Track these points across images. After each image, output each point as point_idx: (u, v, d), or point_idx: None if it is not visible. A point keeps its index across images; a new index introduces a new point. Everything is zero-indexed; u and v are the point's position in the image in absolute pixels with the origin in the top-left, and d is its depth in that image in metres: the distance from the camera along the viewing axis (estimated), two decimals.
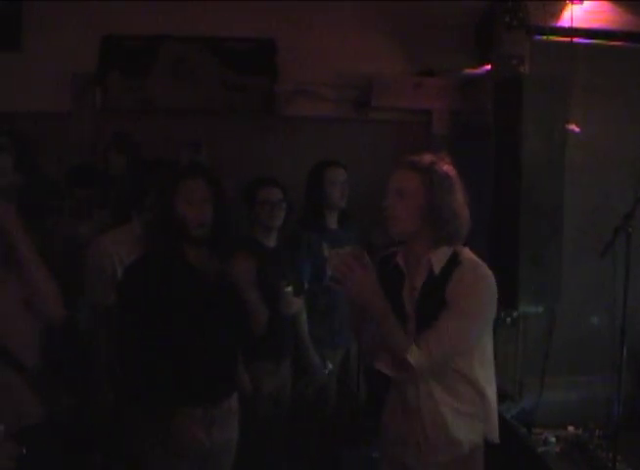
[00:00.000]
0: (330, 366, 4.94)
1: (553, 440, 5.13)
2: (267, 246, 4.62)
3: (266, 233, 4.62)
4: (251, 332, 3.76)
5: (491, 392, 3.18)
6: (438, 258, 3.01)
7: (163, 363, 3.35)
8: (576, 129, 5.73)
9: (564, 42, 6.03)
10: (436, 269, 2.99)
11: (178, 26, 5.97)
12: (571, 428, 5.44)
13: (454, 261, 3.01)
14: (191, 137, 5.68)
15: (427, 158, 3.05)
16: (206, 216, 3.39)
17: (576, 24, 6.08)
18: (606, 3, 6.23)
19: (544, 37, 5.98)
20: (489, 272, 3.01)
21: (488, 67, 6.16)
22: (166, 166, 4.12)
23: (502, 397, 4.70)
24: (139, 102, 6.04)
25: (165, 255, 3.42)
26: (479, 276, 3.00)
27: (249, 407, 4.23)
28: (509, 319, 5.46)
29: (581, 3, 6.04)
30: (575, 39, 6.07)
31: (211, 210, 3.40)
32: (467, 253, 3.06)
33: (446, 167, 3.02)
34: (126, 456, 3.82)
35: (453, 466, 3.13)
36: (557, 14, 6.11)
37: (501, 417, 3.35)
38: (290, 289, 4.43)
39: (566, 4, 6.07)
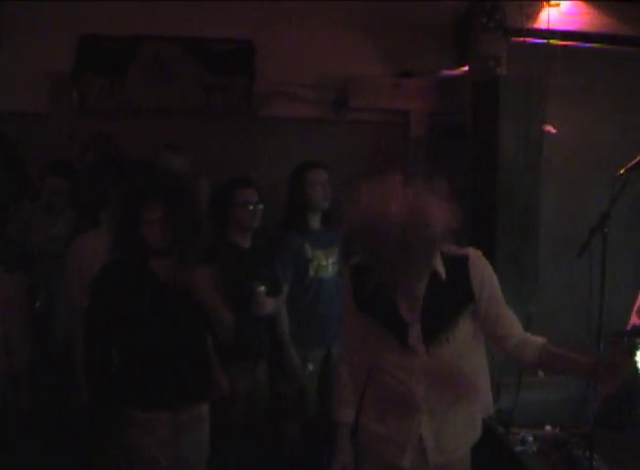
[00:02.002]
0: (310, 367, 4.94)
1: (530, 439, 5.12)
2: (242, 247, 4.62)
3: (242, 234, 4.62)
4: (218, 337, 3.75)
5: (487, 368, 3.27)
6: (439, 263, 3.00)
7: (129, 370, 3.35)
8: (553, 130, 5.77)
9: (540, 44, 6.06)
10: (443, 275, 2.99)
11: (156, 27, 5.95)
12: (548, 427, 5.45)
13: (456, 258, 3.03)
14: (169, 138, 5.66)
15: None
16: (165, 237, 3.38)
17: (553, 26, 6.11)
18: (582, 5, 6.27)
19: (521, 39, 6.01)
20: None
21: (466, 68, 6.19)
22: (137, 170, 4.09)
23: None
24: (117, 102, 6.01)
25: (129, 263, 3.42)
26: (487, 263, 3.11)
27: (224, 408, 4.24)
28: None
29: (558, 5, 6.07)
30: (552, 41, 6.11)
31: (170, 230, 3.38)
32: (455, 248, 3.06)
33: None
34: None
35: (455, 466, 3.18)
36: (534, 15, 6.14)
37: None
38: (262, 289, 4.44)
39: (542, 6, 6.10)
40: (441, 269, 3.00)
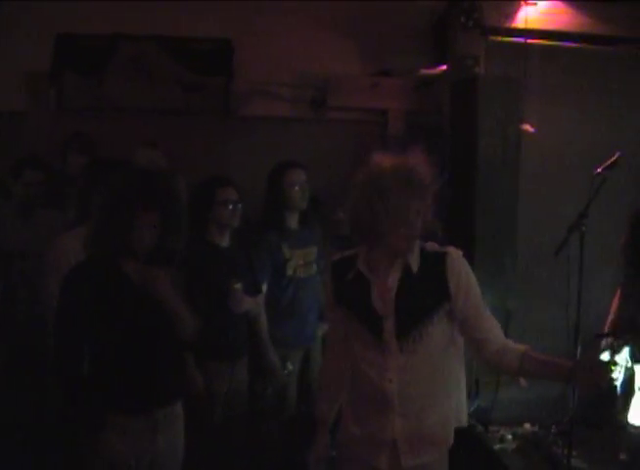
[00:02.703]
0: (290, 367, 4.93)
1: (509, 437, 5.16)
2: (220, 246, 4.61)
3: (221, 233, 4.61)
4: (183, 341, 3.73)
5: (464, 380, 3.27)
6: (414, 256, 3.03)
7: (100, 371, 3.34)
8: (531, 129, 5.79)
9: (518, 43, 6.09)
10: (415, 268, 3.00)
11: (134, 26, 5.93)
12: (527, 425, 5.48)
13: (435, 255, 3.04)
14: (147, 137, 5.64)
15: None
16: (152, 240, 3.38)
17: (531, 26, 6.14)
18: (560, 4, 6.29)
19: (499, 38, 6.03)
20: None
21: (444, 67, 6.21)
22: (119, 169, 4.06)
23: None
24: (95, 101, 5.99)
25: (102, 263, 3.40)
26: (466, 263, 3.09)
27: (202, 409, 4.22)
28: None
29: (535, 4, 6.09)
30: (530, 40, 6.13)
31: (155, 235, 3.38)
32: (431, 245, 3.09)
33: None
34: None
35: (430, 468, 3.15)
36: (511, 15, 6.17)
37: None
38: (239, 286, 4.43)
39: (520, 5, 6.13)
40: (414, 263, 3.01)
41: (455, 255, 3.05)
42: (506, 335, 3.15)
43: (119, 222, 3.30)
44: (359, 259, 3.07)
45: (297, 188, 4.99)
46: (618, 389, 4.94)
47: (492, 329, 3.07)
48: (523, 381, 4.46)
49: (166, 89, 6.10)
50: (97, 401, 3.34)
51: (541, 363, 3.02)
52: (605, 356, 4.88)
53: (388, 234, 2.90)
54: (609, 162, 4.45)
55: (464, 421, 3.29)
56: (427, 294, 2.99)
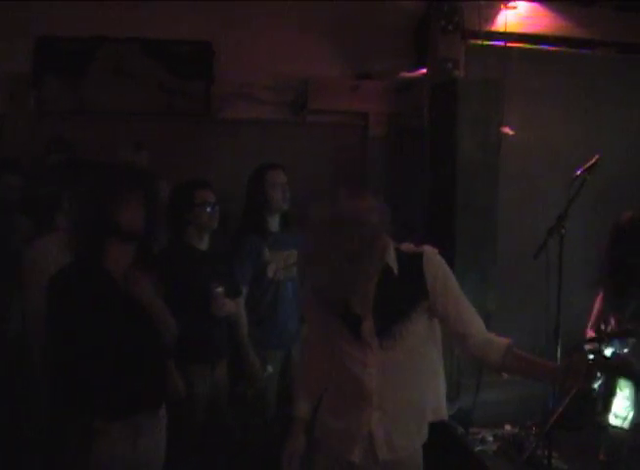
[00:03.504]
0: (270, 369, 4.94)
1: (490, 438, 5.17)
2: (200, 249, 4.61)
3: (199, 236, 4.61)
4: (165, 345, 3.72)
5: (442, 373, 3.28)
6: (392, 258, 3.05)
7: (85, 376, 3.33)
8: (510, 132, 5.82)
9: (498, 46, 6.11)
10: (395, 269, 3.02)
11: (115, 28, 5.92)
12: (507, 426, 5.50)
13: (411, 255, 3.06)
14: (128, 139, 5.63)
15: None
16: (138, 225, 3.39)
17: (511, 29, 6.16)
18: (540, 8, 6.31)
19: (479, 41, 6.05)
20: None
21: (424, 70, 6.22)
22: (98, 169, 4.05)
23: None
24: (76, 104, 5.97)
25: (86, 265, 3.39)
26: (442, 261, 3.11)
27: (183, 411, 4.22)
28: None
29: (515, 8, 6.12)
30: (510, 43, 6.16)
31: (141, 218, 3.39)
32: (407, 246, 3.12)
33: None
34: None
35: (404, 464, 3.17)
36: (491, 18, 6.18)
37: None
38: (221, 290, 4.43)
39: (500, 8, 6.15)
40: (394, 264, 3.03)
41: (431, 253, 3.09)
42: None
43: (106, 205, 3.30)
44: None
45: (278, 189, 5.00)
46: (599, 390, 4.98)
47: (474, 323, 3.11)
48: (505, 376, 4.48)
49: (147, 92, 6.09)
50: (86, 407, 3.33)
51: (524, 361, 3.07)
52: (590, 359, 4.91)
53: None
54: (588, 164, 4.47)
55: (443, 414, 3.31)
56: (404, 293, 3.02)
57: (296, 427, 3.30)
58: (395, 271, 3.02)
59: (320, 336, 3.25)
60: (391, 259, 3.03)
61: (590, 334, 4.96)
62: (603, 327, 4.87)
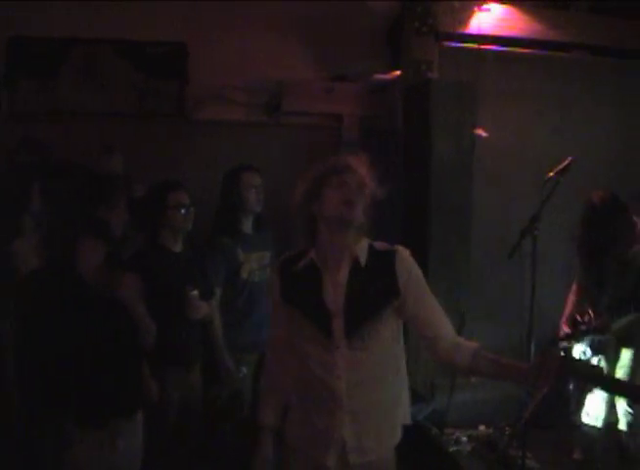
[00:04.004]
0: (244, 371, 4.92)
1: (465, 439, 5.19)
2: (174, 250, 4.59)
3: (173, 237, 4.59)
4: (142, 346, 3.71)
5: (405, 374, 3.26)
6: (362, 251, 3.06)
7: (59, 380, 3.31)
8: (483, 134, 5.84)
9: (472, 48, 6.13)
10: (362, 261, 3.03)
11: (88, 29, 5.88)
12: (482, 427, 5.51)
13: (384, 253, 3.08)
14: (102, 141, 5.60)
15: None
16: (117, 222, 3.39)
17: (484, 31, 6.19)
18: (513, 11, 6.34)
19: (453, 43, 6.07)
20: None
21: (398, 72, 6.23)
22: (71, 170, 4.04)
23: (414, 398, 4.75)
24: (49, 105, 5.93)
25: (59, 267, 3.37)
26: (414, 261, 3.12)
27: (158, 414, 4.20)
28: None
29: (489, 10, 6.14)
30: (483, 46, 6.18)
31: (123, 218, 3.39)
32: (380, 244, 3.13)
33: None
34: None
35: (377, 466, 3.15)
36: (465, 21, 6.20)
37: (413, 418, 3.38)
38: (195, 293, 4.42)
39: (474, 11, 6.17)
40: (363, 256, 3.04)
41: (404, 252, 3.10)
42: (459, 336, 3.17)
43: (81, 205, 3.30)
44: (310, 252, 3.09)
45: (252, 191, 4.99)
46: (572, 389, 5.01)
47: (443, 326, 3.11)
48: (474, 379, 4.49)
49: (121, 93, 6.06)
50: (60, 411, 3.32)
51: (494, 363, 3.05)
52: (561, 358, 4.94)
53: (327, 209, 2.98)
54: (561, 166, 4.50)
55: (408, 419, 3.31)
56: (376, 291, 3.02)
57: (263, 435, 3.30)
58: (362, 263, 3.03)
59: (285, 340, 3.23)
60: (362, 252, 3.05)
61: (564, 328, 5.00)
62: (579, 319, 4.91)
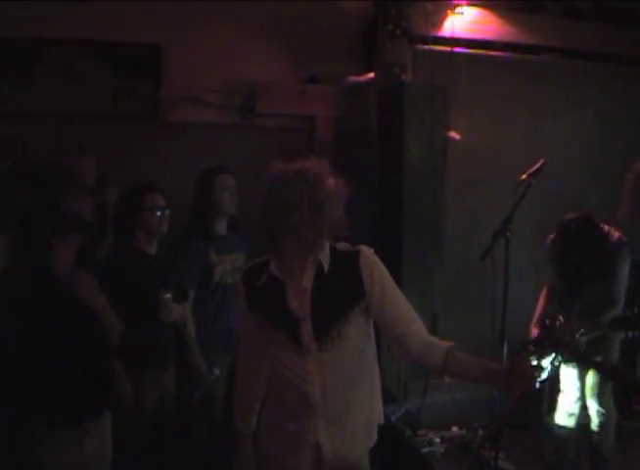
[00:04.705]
0: (217, 372, 4.92)
1: (437, 440, 5.20)
2: (148, 253, 4.58)
3: (148, 240, 4.58)
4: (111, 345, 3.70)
5: (378, 374, 3.27)
6: (325, 255, 3.05)
7: (28, 379, 3.29)
8: (457, 137, 5.87)
9: (445, 51, 6.16)
10: (326, 267, 3.02)
11: (62, 30, 5.85)
12: (455, 428, 5.53)
13: (347, 254, 3.07)
14: (74, 141, 5.57)
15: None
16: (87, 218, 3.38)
17: (458, 34, 6.22)
18: (486, 14, 6.38)
19: (426, 46, 6.09)
20: None
21: (372, 74, 6.25)
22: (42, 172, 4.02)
23: (387, 399, 4.76)
24: (23, 106, 5.89)
25: (30, 264, 3.36)
26: (378, 260, 3.10)
27: (133, 414, 4.19)
28: None
29: (462, 14, 6.17)
30: (457, 49, 6.21)
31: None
32: (343, 245, 3.12)
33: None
34: None
35: (352, 467, 3.16)
36: (439, 23, 6.23)
37: (386, 419, 3.40)
38: (169, 296, 4.41)
39: (447, 14, 6.20)
40: (325, 261, 3.03)
41: (367, 252, 3.08)
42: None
43: (52, 204, 3.29)
44: (271, 263, 3.08)
45: (226, 193, 4.99)
46: (544, 390, 5.04)
47: (412, 323, 3.09)
48: (447, 379, 4.50)
49: (95, 94, 6.02)
50: (27, 414, 3.30)
51: (467, 364, 3.07)
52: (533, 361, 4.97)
53: (296, 228, 2.93)
54: (533, 168, 4.52)
55: (382, 419, 3.32)
56: (342, 292, 3.02)
57: (242, 442, 3.32)
58: (326, 268, 3.02)
59: (254, 349, 3.23)
60: (324, 256, 3.04)
61: (534, 331, 5.03)
62: (548, 323, 4.93)
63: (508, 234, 4.42)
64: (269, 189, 2.97)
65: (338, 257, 3.06)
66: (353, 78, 6.37)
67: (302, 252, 3.01)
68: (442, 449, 5.02)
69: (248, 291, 3.14)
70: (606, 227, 4.97)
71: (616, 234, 4.94)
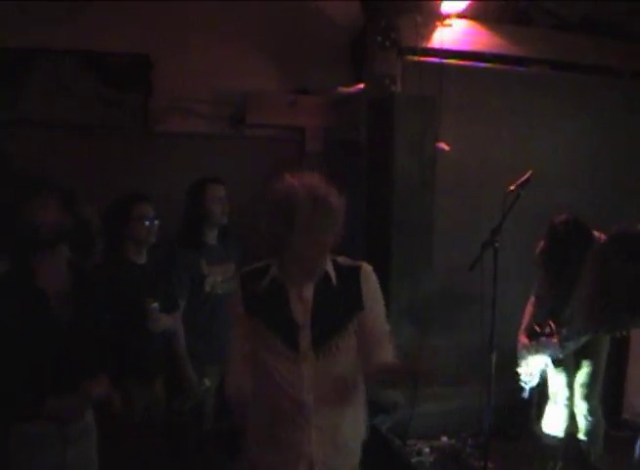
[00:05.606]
0: (207, 383, 4.91)
1: (427, 450, 5.22)
2: (137, 263, 4.58)
3: (137, 250, 4.57)
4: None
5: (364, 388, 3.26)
6: (330, 267, 3.07)
7: (8, 382, 3.29)
8: (446, 148, 5.89)
9: (435, 63, 6.18)
10: (333, 277, 3.05)
11: (52, 40, 5.85)
12: (444, 438, 5.54)
13: (348, 268, 3.10)
14: (65, 152, 5.58)
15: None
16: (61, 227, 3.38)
17: (447, 46, 6.23)
18: (476, 26, 6.40)
19: (416, 58, 6.11)
20: None
21: (362, 85, 6.27)
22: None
23: (377, 410, 4.76)
24: (12, 115, 5.88)
25: (16, 281, 3.36)
26: (377, 279, 3.14)
27: (121, 426, 4.18)
28: None
29: (450, 26, 6.20)
30: (446, 60, 6.23)
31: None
32: (343, 259, 3.14)
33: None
34: None
35: None
36: (428, 35, 6.25)
37: (376, 430, 3.40)
38: (155, 305, 4.41)
39: (436, 26, 6.22)
40: (332, 273, 3.06)
41: (368, 269, 3.13)
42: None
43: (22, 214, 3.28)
44: (273, 267, 3.09)
45: (217, 203, 5.00)
46: (532, 398, 5.05)
47: (379, 345, 3.09)
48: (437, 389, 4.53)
49: (84, 104, 6.01)
50: (8, 414, 3.30)
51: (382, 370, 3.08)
52: (525, 367, 5.00)
53: (298, 251, 2.95)
54: (521, 180, 4.56)
55: (366, 434, 3.32)
56: (342, 304, 3.04)
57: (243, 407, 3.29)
58: (334, 280, 3.05)
59: (246, 354, 3.16)
60: (330, 268, 3.06)
61: (522, 339, 5.05)
62: (538, 330, 4.96)
63: (496, 244, 4.45)
64: (277, 202, 2.97)
65: (339, 269, 3.09)
66: (343, 90, 6.39)
67: (305, 262, 3.04)
68: (432, 459, 5.04)
69: (246, 294, 3.13)
70: (595, 232, 4.98)
71: (602, 237, 4.95)
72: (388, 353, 3.10)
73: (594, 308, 4.76)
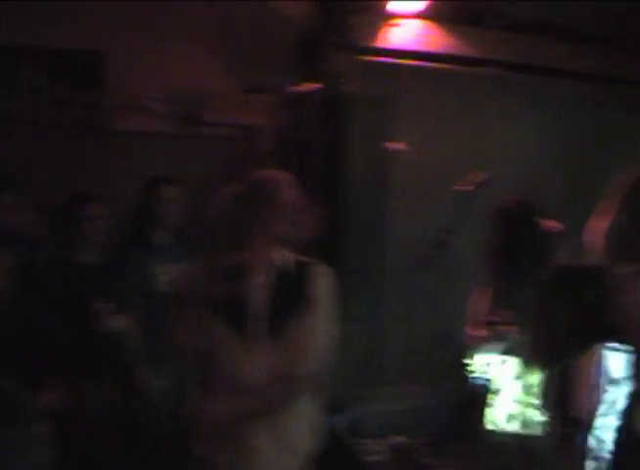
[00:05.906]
0: (161, 383, 4.89)
1: (380, 449, 5.23)
2: (87, 262, 4.55)
3: (88, 250, 4.55)
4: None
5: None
6: (285, 260, 3.13)
7: None
8: (400, 147, 5.91)
9: (388, 62, 6.19)
10: (287, 269, 3.11)
11: (4, 36, 5.78)
12: (398, 437, 5.56)
13: (304, 263, 3.16)
14: (16, 151, 5.51)
15: None
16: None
17: (401, 46, 6.26)
18: (431, 26, 6.43)
19: (369, 58, 6.12)
20: None
21: (315, 84, 6.26)
22: None
23: (331, 409, 4.77)
24: None
25: None
26: (331, 278, 3.17)
27: (73, 428, 4.16)
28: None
29: (400, 25, 6.21)
30: (401, 60, 6.25)
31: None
32: (300, 256, 3.19)
33: None
34: None
35: None
36: (382, 35, 6.26)
37: (330, 429, 3.40)
38: (104, 306, 4.39)
39: (390, 25, 6.24)
40: (286, 265, 3.11)
41: (324, 268, 3.19)
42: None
43: None
44: (227, 260, 3.12)
45: (169, 204, 4.98)
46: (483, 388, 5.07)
47: (308, 350, 3.09)
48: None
49: (36, 102, 5.96)
50: None
51: None
52: (480, 358, 5.01)
53: (257, 233, 3.05)
54: (480, 180, 4.58)
55: (322, 431, 3.33)
56: (296, 297, 3.06)
57: None
58: (287, 270, 3.10)
59: (193, 346, 3.20)
60: (285, 261, 3.11)
61: (472, 332, 5.05)
62: (495, 320, 4.97)
63: (448, 243, 4.48)
64: (235, 197, 3.10)
65: (296, 264, 3.13)
66: (296, 88, 6.39)
67: (261, 255, 3.07)
68: (385, 458, 5.04)
69: (194, 285, 3.18)
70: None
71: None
72: (311, 365, 3.09)
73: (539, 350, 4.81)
